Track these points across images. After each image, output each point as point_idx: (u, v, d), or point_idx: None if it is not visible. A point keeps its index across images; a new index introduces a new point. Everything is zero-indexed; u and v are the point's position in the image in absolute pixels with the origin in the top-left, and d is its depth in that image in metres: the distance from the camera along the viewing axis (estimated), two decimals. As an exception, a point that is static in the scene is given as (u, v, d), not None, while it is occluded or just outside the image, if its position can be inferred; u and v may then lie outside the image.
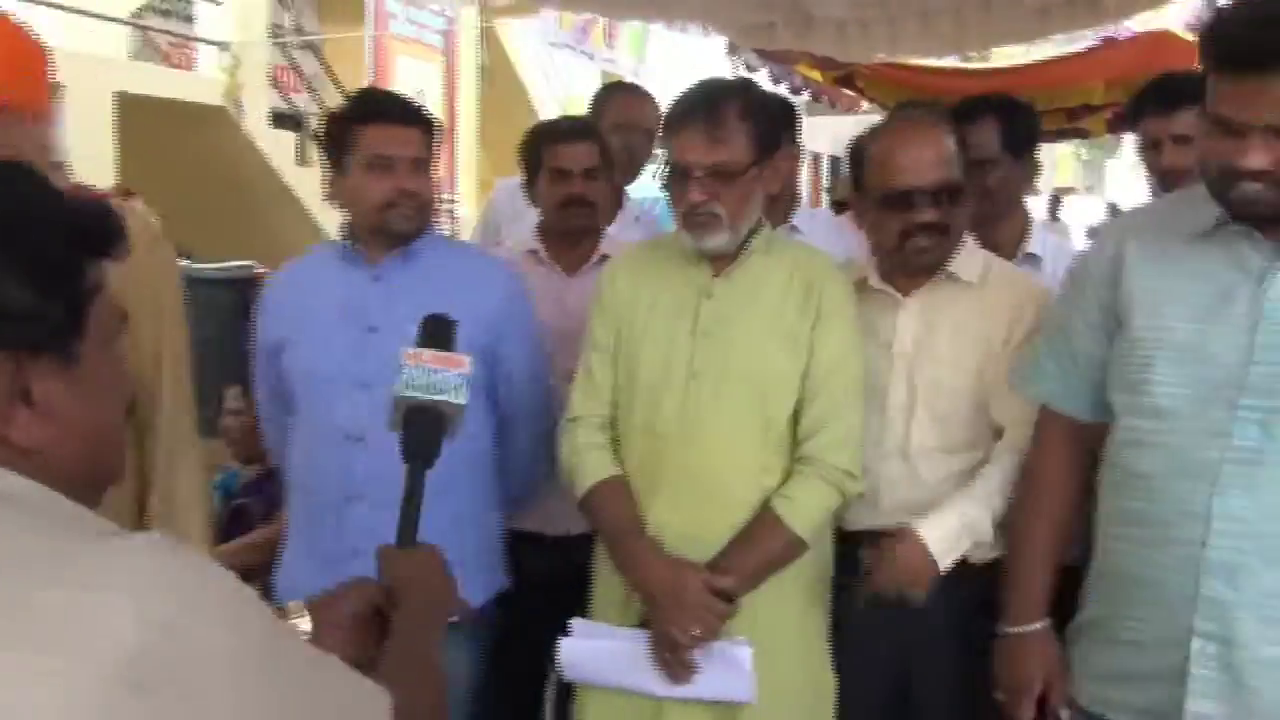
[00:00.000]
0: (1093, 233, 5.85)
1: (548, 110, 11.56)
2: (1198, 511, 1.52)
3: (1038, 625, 1.76)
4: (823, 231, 2.94)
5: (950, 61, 5.83)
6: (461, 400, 1.35)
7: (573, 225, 2.62)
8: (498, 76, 9.55)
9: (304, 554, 2.14)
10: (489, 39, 9.55)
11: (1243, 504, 1.50)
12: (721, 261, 1.97)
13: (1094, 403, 1.72)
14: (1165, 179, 2.48)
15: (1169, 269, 1.58)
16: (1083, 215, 13.03)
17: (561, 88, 11.88)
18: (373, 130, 2.08)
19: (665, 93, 2.30)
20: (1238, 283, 1.52)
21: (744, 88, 1.98)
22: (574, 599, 2.05)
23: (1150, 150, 2.53)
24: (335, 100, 9.33)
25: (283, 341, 2.17)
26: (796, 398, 1.92)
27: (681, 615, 1.81)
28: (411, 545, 1.32)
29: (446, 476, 2.03)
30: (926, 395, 2.00)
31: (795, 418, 1.93)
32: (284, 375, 2.17)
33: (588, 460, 1.97)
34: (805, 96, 6.78)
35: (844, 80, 6.42)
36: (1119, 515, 1.65)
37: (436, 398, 1.36)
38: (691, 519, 1.89)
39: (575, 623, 1.93)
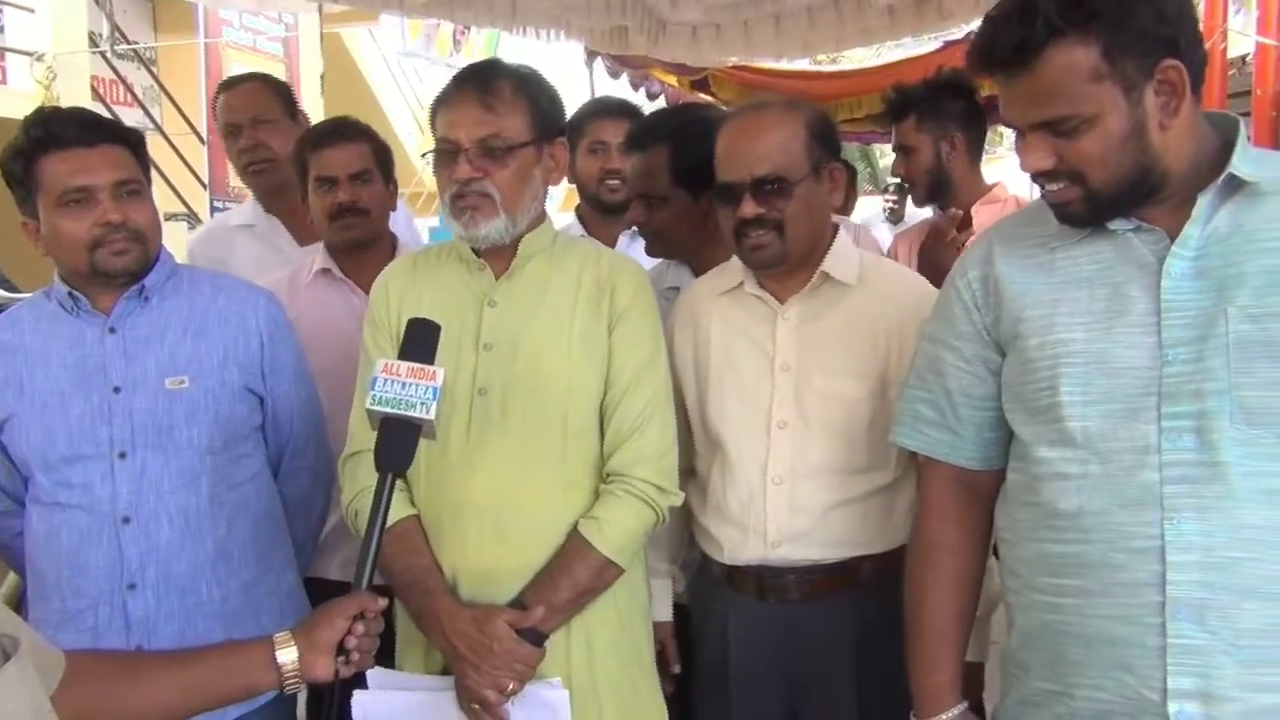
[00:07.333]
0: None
1: (400, 117, 11.26)
2: (1149, 546, 1.31)
3: (952, 712, 1.55)
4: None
5: (802, 64, 5.86)
6: (429, 415, 1.44)
7: (347, 238, 2.41)
8: (345, 84, 9.20)
9: None
10: (333, 46, 9.20)
11: (1196, 529, 1.29)
12: (501, 264, 1.79)
13: (982, 449, 1.55)
14: (904, 181, 2.82)
15: (1052, 278, 1.42)
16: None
17: (412, 94, 11.59)
18: (54, 160, 1.78)
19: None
20: (1131, 278, 1.36)
21: (521, 68, 1.81)
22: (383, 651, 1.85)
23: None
24: (170, 114, 8.93)
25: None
26: (597, 410, 1.77)
27: (491, 670, 1.65)
28: (369, 576, 1.41)
29: (230, 545, 1.90)
30: (817, 409, 1.85)
31: (601, 430, 1.78)
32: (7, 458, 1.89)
33: None
34: (661, 102, 6.75)
35: (699, 85, 6.43)
36: (1043, 564, 1.42)
37: (404, 413, 1.44)
38: (489, 556, 1.73)
39: (372, 673, 1.70)
